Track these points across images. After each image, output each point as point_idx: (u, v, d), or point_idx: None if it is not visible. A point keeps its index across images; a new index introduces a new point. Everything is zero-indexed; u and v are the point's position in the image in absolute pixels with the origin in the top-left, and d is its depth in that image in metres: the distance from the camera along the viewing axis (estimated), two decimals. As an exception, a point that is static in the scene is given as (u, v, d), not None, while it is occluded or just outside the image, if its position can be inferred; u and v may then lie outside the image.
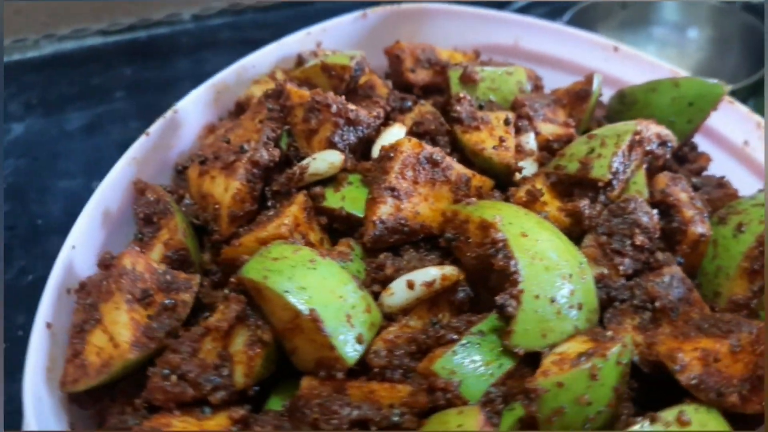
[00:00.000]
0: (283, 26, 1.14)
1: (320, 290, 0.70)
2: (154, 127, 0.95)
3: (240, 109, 1.04)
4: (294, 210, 0.82)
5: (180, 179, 0.99)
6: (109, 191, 0.88)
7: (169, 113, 0.97)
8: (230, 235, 0.86)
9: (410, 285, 0.73)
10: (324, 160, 0.85)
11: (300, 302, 0.68)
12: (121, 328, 0.71)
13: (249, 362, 0.71)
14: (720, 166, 0.95)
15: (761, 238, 0.77)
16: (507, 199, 0.84)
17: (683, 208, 0.81)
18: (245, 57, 1.05)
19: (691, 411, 0.65)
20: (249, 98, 1.04)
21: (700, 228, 0.79)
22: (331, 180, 0.87)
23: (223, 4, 1.86)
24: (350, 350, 0.69)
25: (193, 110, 0.99)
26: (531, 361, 0.69)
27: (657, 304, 0.74)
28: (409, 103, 1.00)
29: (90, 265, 0.84)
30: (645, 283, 0.76)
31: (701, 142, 0.98)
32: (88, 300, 0.76)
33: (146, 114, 1.49)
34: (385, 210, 0.79)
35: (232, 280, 0.73)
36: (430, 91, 1.08)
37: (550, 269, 0.71)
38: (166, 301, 0.76)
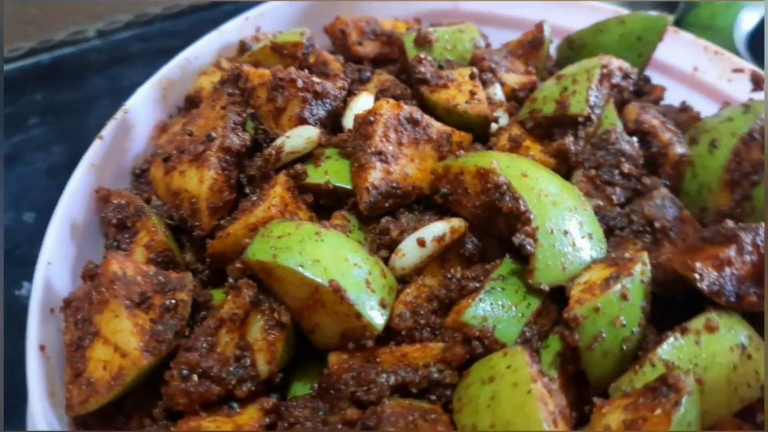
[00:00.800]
0: (194, 32, 1.09)
1: (334, 260, 0.67)
2: (107, 131, 0.88)
3: (191, 103, 0.99)
4: (279, 191, 0.78)
5: (140, 183, 0.93)
6: (73, 202, 0.81)
7: (119, 114, 0.90)
8: (212, 229, 0.82)
9: (421, 243, 0.72)
10: (300, 137, 0.82)
11: (317, 275, 0.65)
12: (127, 336, 0.66)
13: (270, 348, 0.68)
14: (674, 94, 0.99)
15: (736, 149, 0.81)
16: (490, 149, 0.84)
17: (659, 132, 0.83)
18: (186, 49, 0.99)
19: (715, 317, 0.67)
20: (199, 91, 0.99)
21: (679, 148, 0.82)
22: (309, 157, 0.84)
23: (129, 16, 1.77)
24: (377, 316, 0.66)
25: (142, 110, 0.93)
26: (555, 297, 0.69)
27: (656, 225, 0.76)
28: (368, 74, 0.98)
29: (67, 282, 0.77)
30: (639, 208, 0.77)
31: (653, 75, 1.02)
32: (79, 315, 0.70)
33: (68, 137, 1.41)
34: (375, 175, 0.77)
35: (237, 266, 0.69)
36: (380, 63, 1.07)
37: (557, 204, 0.71)
38: (167, 302, 0.71)
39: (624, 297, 0.65)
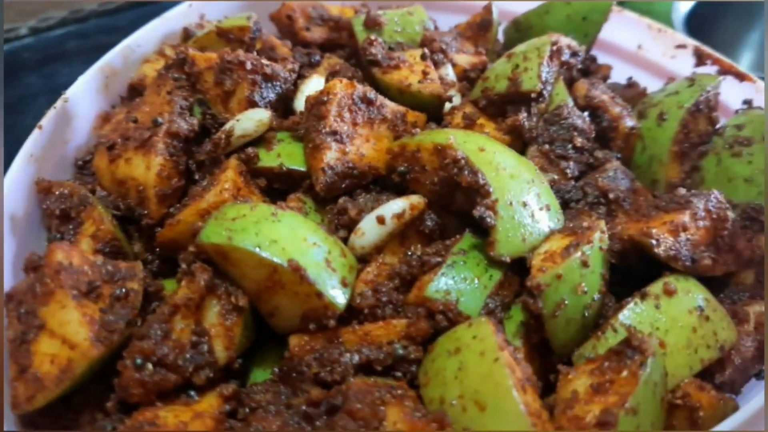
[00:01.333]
0: (132, 27, 1.05)
1: (292, 240, 0.65)
2: (46, 120, 0.84)
3: (134, 91, 0.95)
4: (231, 175, 0.76)
5: (83, 175, 0.89)
6: (12, 194, 0.77)
7: (59, 103, 0.86)
8: (162, 217, 0.79)
9: (381, 220, 0.70)
10: (250, 119, 0.80)
11: (275, 255, 0.63)
12: (75, 327, 0.62)
13: (228, 333, 0.65)
14: (620, 72, 1.01)
15: (684, 121, 0.82)
16: (445, 128, 0.83)
17: (609, 107, 0.84)
18: (129, 36, 0.96)
19: (673, 281, 0.68)
20: (142, 79, 0.95)
21: (629, 122, 0.83)
22: (260, 141, 0.82)
23: (63, 13, 1.70)
24: (338, 295, 0.65)
25: (83, 99, 0.90)
26: (516, 269, 0.69)
27: (611, 196, 0.76)
28: (318, 57, 0.97)
29: (7, 277, 0.73)
30: (593, 180, 0.78)
31: (599, 54, 1.03)
32: (22, 309, 0.66)
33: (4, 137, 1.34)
34: (331, 156, 0.75)
35: (191, 249, 0.66)
36: (329, 49, 1.05)
37: (515, 177, 0.71)
38: (116, 291, 0.67)
39: (585, 264, 0.65)
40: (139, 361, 0.62)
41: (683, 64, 0.97)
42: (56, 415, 0.66)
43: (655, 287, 0.67)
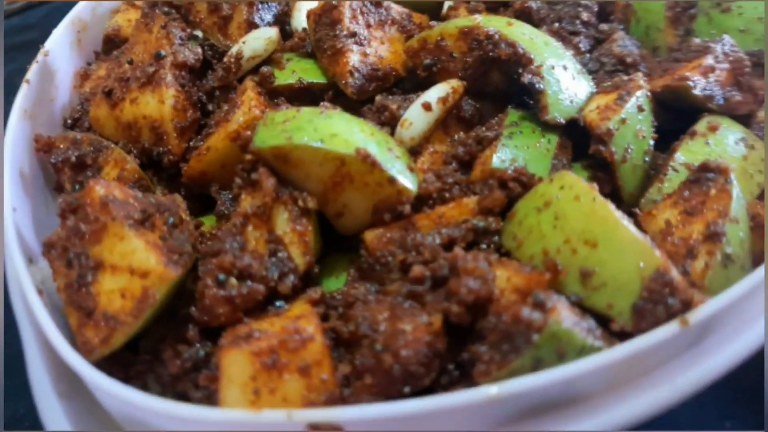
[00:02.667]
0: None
1: (351, 133, 0.63)
2: (32, 74, 0.77)
3: (111, 44, 0.89)
4: (251, 94, 0.73)
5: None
6: (17, 148, 0.70)
7: (40, 57, 0.80)
8: (184, 152, 0.74)
9: (427, 107, 0.69)
10: (258, 39, 0.77)
11: (341, 147, 0.61)
12: (143, 254, 0.57)
13: (302, 239, 0.62)
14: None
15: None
16: (450, 25, 0.82)
17: (602, -18, 0.86)
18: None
19: (714, 118, 0.70)
20: (117, 30, 0.89)
21: (625, -6, 0.86)
22: (268, 62, 0.78)
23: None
24: (409, 179, 0.63)
25: (60, 54, 0.83)
26: (569, 134, 0.69)
27: (628, 60, 0.78)
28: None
29: (30, 233, 0.66)
30: (607, 50, 0.80)
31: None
32: (70, 254, 0.60)
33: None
34: (354, 58, 0.73)
35: (248, 158, 0.63)
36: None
37: (548, 44, 0.71)
38: (170, 220, 0.63)
39: (640, 109, 0.66)
40: (221, 276, 0.58)
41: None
42: (126, 363, 0.61)
43: (700, 126, 0.70)
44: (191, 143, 0.75)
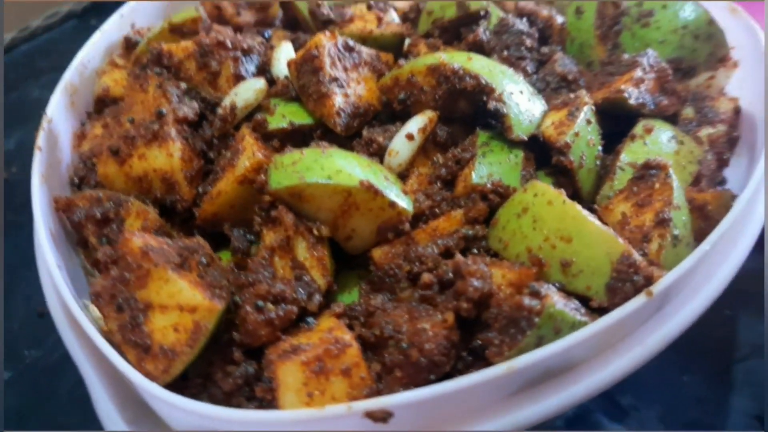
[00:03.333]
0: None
1: (352, 166, 0.73)
2: (42, 141, 0.84)
3: (102, 104, 0.97)
4: (250, 140, 0.82)
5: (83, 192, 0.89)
6: (45, 210, 0.77)
7: (45, 124, 0.86)
8: (194, 198, 0.83)
9: (409, 137, 0.80)
10: (248, 89, 0.86)
11: (347, 181, 0.71)
12: (188, 293, 0.66)
13: (320, 262, 0.72)
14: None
15: (598, 10, 0.99)
16: (413, 61, 0.94)
17: (540, 11, 0.99)
18: (77, 54, 0.97)
19: (648, 121, 0.84)
20: (106, 90, 0.97)
21: (559, 18, 0.99)
22: (258, 110, 0.88)
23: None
24: (405, 201, 0.74)
25: (60, 118, 0.90)
26: (531, 147, 0.81)
27: (570, 77, 0.91)
28: (268, 32, 1.03)
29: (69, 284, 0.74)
30: (550, 70, 0.92)
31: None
32: (119, 300, 0.68)
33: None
34: (339, 100, 0.83)
35: (266, 198, 0.72)
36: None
37: (504, 72, 0.83)
38: (202, 260, 0.71)
39: (588, 122, 0.79)
40: (260, 303, 0.67)
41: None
42: (180, 388, 0.69)
43: (637, 129, 0.83)
44: (199, 189, 0.83)
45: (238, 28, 1.08)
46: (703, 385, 0.97)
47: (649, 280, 0.63)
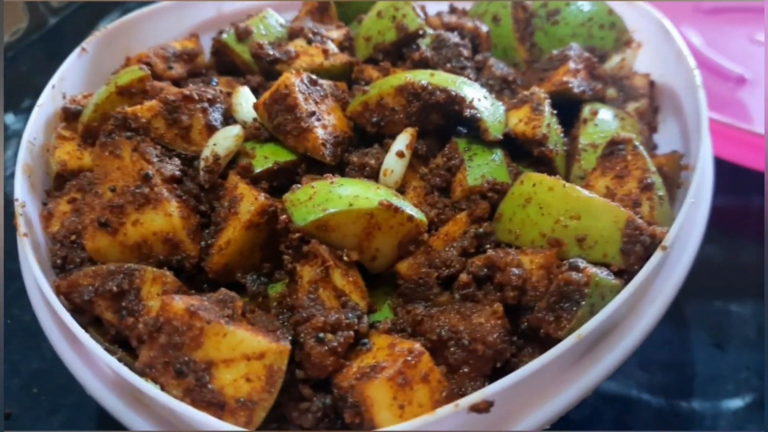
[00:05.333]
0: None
1: (365, 190, 0.77)
2: (22, 226, 0.80)
3: (62, 179, 0.92)
4: (243, 187, 0.83)
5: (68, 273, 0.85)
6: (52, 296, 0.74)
7: (19, 209, 0.82)
8: (200, 254, 0.82)
9: (400, 155, 0.85)
10: (227, 138, 0.87)
11: (368, 204, 0.74)
12: (251, 341, 0.66)
13: (357, 286, 0.75)
14: (433, 7, 1.23)
15: (513, 16, 1.10)
16: (366, 85, 0.98)
17: (464, 23, 1.08)
18: (23, 134, 0.92)
19: (591, 106, 0.95)
20: (64, 164, 0.93)
21: (484, 28, 1.08)
22: (237, 157, 0.89)
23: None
24: (419, 213, 0.79)
25: (27, 201, 0.86)
26: (502, 145, 0.89)
27: (509, 78, 1.00)
28: (215, 81, 1.03)
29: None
30: (489, 75, 1.01)
31: None
32: (175, 367, 0.67)
33: None
34: (320, 132, 0.87)
35: (295, 236, 0.74)
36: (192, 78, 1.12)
37: (465, 83, 0.90)
38: (245, 307, 0.72)
39: (552, 114, 0.88)
40: (321, 335, 0.69)
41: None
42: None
43: (586, 113, 0.93)
44: (202, 243, 0.83)
45: (175, 83, 1.08)
46: (666, 328, 1.10)
47: (654, 237, 0.73)
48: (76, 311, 0.79)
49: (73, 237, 0.86)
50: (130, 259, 0.82)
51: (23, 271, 0.82)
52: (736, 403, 1.02)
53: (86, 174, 0.92)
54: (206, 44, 1.18)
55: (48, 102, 0.98)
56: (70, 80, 1.04)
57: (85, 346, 0.70)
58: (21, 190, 0.85)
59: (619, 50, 1.08)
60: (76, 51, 1.06)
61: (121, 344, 0.78)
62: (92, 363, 0.74)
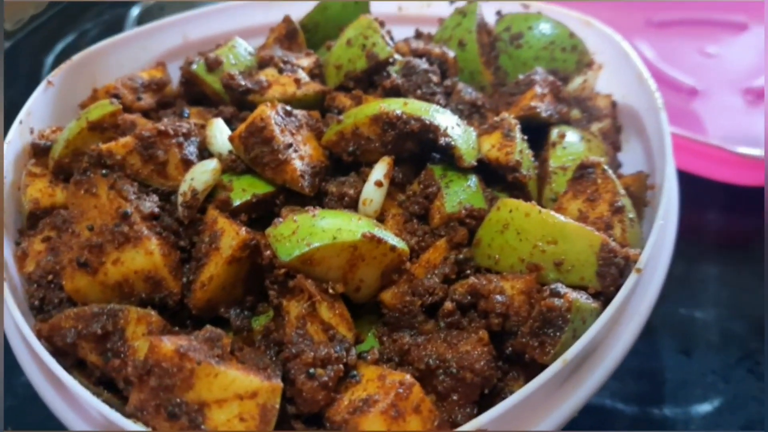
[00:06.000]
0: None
1: (347, 222, 0.78)
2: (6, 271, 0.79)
3: (35, 217, 0.91)
4: (223, 221, 0.83)
5: (46, 315, 0.84)
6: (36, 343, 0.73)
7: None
8: (182, 290, 0.82)
9: (378, 184, 0.86)
10: (204, 172, 0.87)
11: (351, 237, 0.76)
12: (243, 381, 0.67)
13: (343, 318, 0.76)
14: (403, 32, 1.24)
15: (478, 40, 1.12)
16: (340, 113, 1.00)
17: (432, 49, 1.10)
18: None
19: (558, 129, 0.98)
20: (36, 202, 0.92)
21: (450, 53, 1.10)
22: (214, 191, 0.89)
23: None
24: (400, 243, 0.80)
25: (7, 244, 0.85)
26: (476, 171, 0.91)
27: (479, 103, 1.03)
28: (187, 112, 1.03)
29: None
30: (458, 100, 1.03)
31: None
32: (168, 409, 0.67)
33: None
34: (298, 164, 0.87)
35: (279, 272, 0.75)
36: (162, 108, 1.11)
37: (438, 111, 0.92)
38: (233, 346, 0.73)
39: (524, 139, 0.91)
40: (312, 371, 0.70)
41: (440, 7, 1.27)
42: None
43: (554, 137, 0.97)
44: (183, 279, 0.83)
45: (145, 114, 1.07)
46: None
47: (627, 259, 0.76)
48: (58, 354, 0.78)
49: (50, 277, 0.85)
50: (111, 299, 0.81)
51: (5, 317, 0.80)
52: (704, 407, 1.06)
53: (60, 212, 0.91)
54: (173, 72, 1.18)
55: (16, 138, 0.97)
56: (36, 114, 1.02)
57: (71, 391, 0.69)
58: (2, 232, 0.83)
59: (580, 72, 1.12)
60: (42, 84, 1.05)
61: (106, 385, 0.78)
62: (80, 408, 0.73)
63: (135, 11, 1.73)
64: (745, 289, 1.23)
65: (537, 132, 0.99)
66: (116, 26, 1.80)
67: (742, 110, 1.53)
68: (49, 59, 1.76)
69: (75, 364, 0.79)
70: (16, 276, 0.86)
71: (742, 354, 1.12)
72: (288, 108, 0.92)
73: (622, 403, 1.06)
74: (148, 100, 1.09)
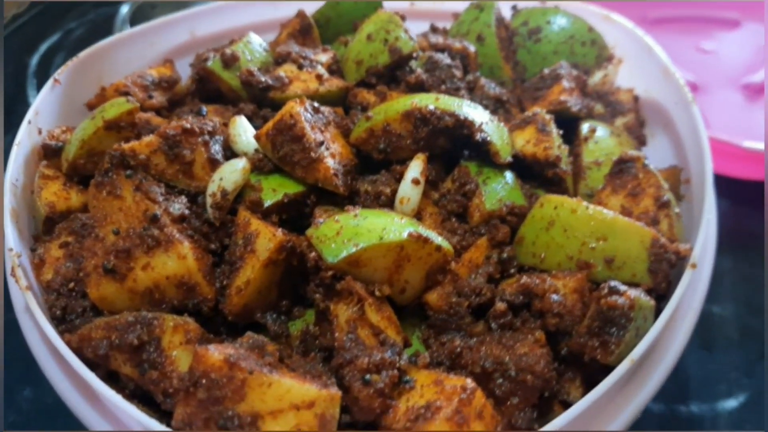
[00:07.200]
0: None
1: (390, 221, 0.75)
2: (24, 281, 0.74)
3: (51, 222, 0.86)
4: (258, 223, 0.80)
5: (70, 325, 0.79)
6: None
7: (15, 260, 0.76)
8: (216, 294, 0.79)
9: (415, 182, 0.83)
10: (234, 171, 0.83)
11: (398, 236, 0.73)
12: (299, 389, 0.63)
13: (391, 321, 0.73)
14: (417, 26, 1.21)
15: (497, 35, 1.10)
16: (365, 110, 0.97)
17: (452, 44, 1.07)
18: (5, 175, 0.85)
19: (588, 123, 0.96)
20: (52, 206, 0.87)
21: (471, 48, 1.08)
22: (244, 191, 0.85)
23: None
24: (445, 243, 0.77)
25: (20, 250, 0.79)
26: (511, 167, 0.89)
27: (503, 98, 1.01)
28: (205, 110, 0.99)
29: None
30: (483, 94, 1.01)
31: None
32: (219, 422, 0.63)
33: None
34: (330, 162, 0.84)
35: (326, 275, 0.71)
36: (176, 105, 1.07)
37: (471, 105, 0.90)
38: (278, 353, 0.69)
39: (559, 136, 0.89)
40: (367, 377, 0.67)
41: (451, 3, 1.24)
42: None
43: (585, 132, 0.95)
44: (216, 284, 0.79)
45: (158, 112, 1.03)
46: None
47: (678, 254, 0.75)
48: (88, 366, 0.73)
49: (71, 285, 0.81)
50: (140, 306, 0.77)
51: (22, 327, 0.76)
52: (730, 403, 1.06)
53: (77, 215, 0.86)
54: (181, 69, 1.13)
55: (26, 140, 0.91)
56: (44, 113, 0.97)
57: (111, 405, 0.65)
58: (13, 239, 0.78)
59: (600, 66, 1.11)
60: (49, 83, 1.00)
61: (140, 399, 0.74)
62: (117, 421, 0.69)
63: (124, 9, 1.67)
64: (762, 284, 1.24)
65: (562, 127, 0.97)
66: (103, 25, 1.74)
67: (742, 105, 1.54)
68: (34, 59, 1.70)
69: (105, 377, 0.75)
70: (35, 284, 0.81)
71: (762, 348, 1.12)
72: (315, 105, 0.89)
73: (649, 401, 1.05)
74: (159, 98, 1.04)
